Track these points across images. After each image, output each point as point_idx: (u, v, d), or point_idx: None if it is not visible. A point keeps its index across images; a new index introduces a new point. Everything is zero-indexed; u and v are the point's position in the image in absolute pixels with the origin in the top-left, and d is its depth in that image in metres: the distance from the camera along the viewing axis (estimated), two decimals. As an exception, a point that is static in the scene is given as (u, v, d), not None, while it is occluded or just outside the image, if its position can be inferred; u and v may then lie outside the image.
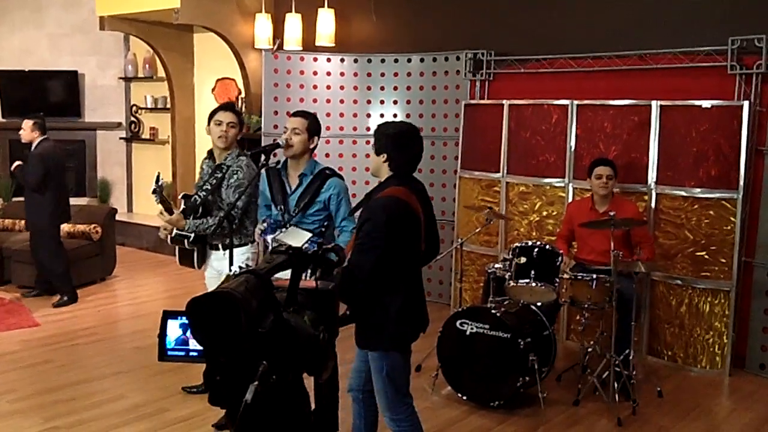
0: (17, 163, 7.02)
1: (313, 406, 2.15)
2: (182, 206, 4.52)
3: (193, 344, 1.92)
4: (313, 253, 2.03)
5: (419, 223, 3.40)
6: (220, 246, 4.53)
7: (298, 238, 3.89)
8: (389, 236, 3.23)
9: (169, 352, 1.92)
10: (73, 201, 8.62)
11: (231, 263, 4.26)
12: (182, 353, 1.91)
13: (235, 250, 4.40)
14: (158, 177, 4.42)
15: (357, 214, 3.71)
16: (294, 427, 1.89)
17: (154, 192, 4.40)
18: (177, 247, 4.59)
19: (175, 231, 4.47)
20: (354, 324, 3.43)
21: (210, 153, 4.64)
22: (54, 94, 10.23)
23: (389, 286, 3.31)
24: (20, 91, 10.08)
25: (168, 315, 1.90)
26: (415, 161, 3.49)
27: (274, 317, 1.78)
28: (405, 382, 3.48)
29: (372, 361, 3.41)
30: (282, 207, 4.17)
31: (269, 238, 4.11)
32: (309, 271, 2.17)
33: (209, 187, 4.47)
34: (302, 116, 4.23)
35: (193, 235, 4.43)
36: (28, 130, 6.96)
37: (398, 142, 3.43)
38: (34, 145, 6.97)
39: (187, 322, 1.94)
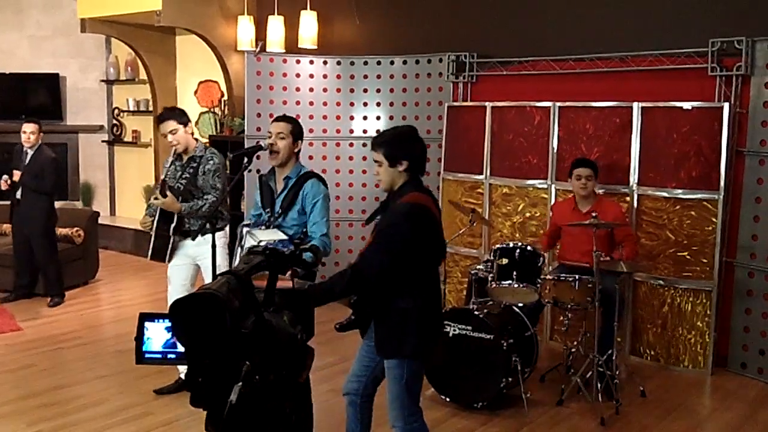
0: (16, 172, 6.97)
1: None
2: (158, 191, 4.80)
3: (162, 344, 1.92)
4: (290, 253, 2.02)
5: (439, 227, 3.44)
6: (191, 233, 4.83)
7: (272, 236, 3.88)
8: (411, 242, 3.24)
9: (147, 355, 1.90)
10: (55, 204, 8.60)
11: (214, 246, 4.32)
12: (160, 356, 1.90)
13: (210, 236, 4.51)
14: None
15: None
16: (274, 428, 1.88)
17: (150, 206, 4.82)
18: (152, 243, 4.85)
19: (157, 219, 4.78)
20: (356, 329, 3.42)
21: (179, 155, 4.99)
22: (35, 97, 10.14)
23: (411, 291, 3.30)
24: (1, 94, 9.99)
25: (145, 317, 1.89)
26: (425, 161, 3.54)
27: (255, 317, 1.77)
28: (419, 390, 3.46)
29: (391, 368, 3.36)
30: (270, 210, 4.18)
31: (245, 229, 4.10)
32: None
33: (188, 176, 4.83)
34: (286, 120, 4.24)
35: (176, 220, 4.76)
36: (36, 134, 6.97)
37: (414, 145, 3.44)
38: (34, 148, 6.96)
39: (144, 327, 1.93)
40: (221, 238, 4.83)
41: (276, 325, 1.83)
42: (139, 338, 1.86)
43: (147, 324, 1.86)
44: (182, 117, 4.92)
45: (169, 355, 1.88)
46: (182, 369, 4.85)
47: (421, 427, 3.46)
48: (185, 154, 4.95)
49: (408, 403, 3.38)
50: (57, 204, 9.23)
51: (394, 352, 3.33)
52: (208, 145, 4.99)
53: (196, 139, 5.02)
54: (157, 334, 1.88)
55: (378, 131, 7.47)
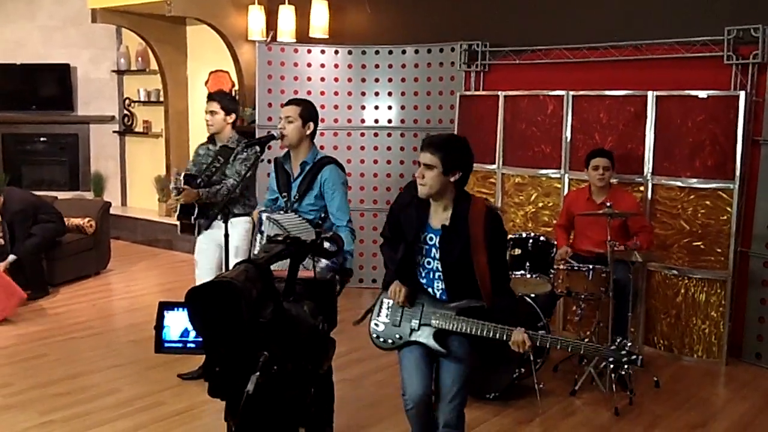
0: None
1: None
2: (181, 184, 4.90)
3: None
4: (311, 242, 1.99)
5: None
6: (220, 216, 4.84)
7: (295, 225, 3.84)
8: None
9: (166, 344, 1.88)
10: (66, 195, 8.60)
11: (226, 233, 4.53)
12: (179, 345, 1.87)
13: (238, 219, 4.93)
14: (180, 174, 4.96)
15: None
16: (294, 418, 1.86)
17: (176, 189, 4.90)
18: (179, 228, 5.12)
19: (179, 207, 4.94)
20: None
21: (211, 138, 5.15)
22: (46, 87, 10.17)
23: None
24: (12, 85, 10.02)
25: (164, 306, 1.87)
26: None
27: (274, 307, 1.75)
28: None
29: (462, 356, 3.31)
30: (286, 194, 4.17)
31: (264, 215, 4.08)
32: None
33: (218, 165, 4.98)
34: (294, 104, 4.25)
35: (197, 209, 4.92)
36: None
37: (470, 157, 3.30)
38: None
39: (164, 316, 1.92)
40: (245, 223, 5.01)
41: (296, 315, 1.80)
42: (159, 327, 1.84)
43: (166, 313, 1.84)
44: (230, 104, 5.06)
45: (189, 344, 1.86)
46: None
47: None
48: (219, 141, 5.08)
49: (465, 400, 3.36)
50: (68, 194, 9.29)
51: (492, 361, 3.41)
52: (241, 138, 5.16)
53: (237, 131, 5.17)
54: (175, 323, 1.85)
55: (389, 121, 7.45)
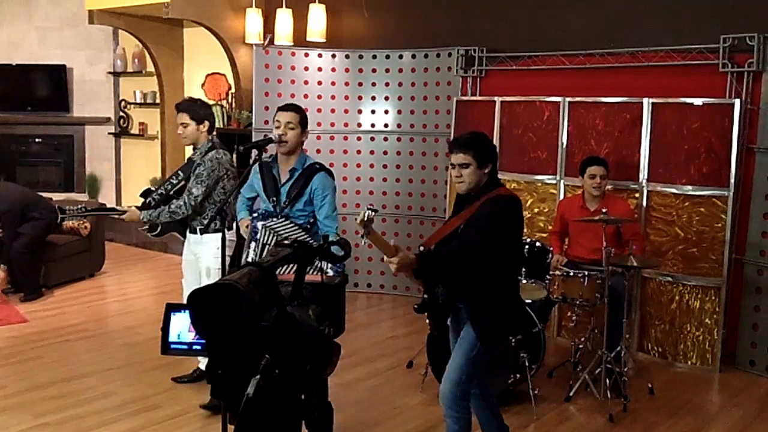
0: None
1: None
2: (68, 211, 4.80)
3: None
4: (318, 246, 2.00)
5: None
6: (198, 230, 4.76)
7: (291, 232, 3.88)
8: (512, 230, 3.44)
9: (173, 346, 1.88)
10: (61, 196, 8.57)
11: (224, 237, 4.30)
12: (185, 346, 1.88)
13: (212, 236, 4.68)
14: (63, 210, 4.79)
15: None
16: (296, 420, 1.86)
17: (61, 220, 5.05)
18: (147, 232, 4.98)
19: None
20: (430, 312, 3.57)
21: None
22: (42, 88, 10.14)
23: (506, 279, 3.48)
24: (8, 86, 10.00)
25: (171, 308, 1.87)
26: None
27: (277, 311, 1.75)
28: (478, 375, 3.57)
29: (466, 338, 3.45)
30: (274, 199, 4.20)
31: (259, 224, 4.11)
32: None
33: (170, 187, 4.79)
34: (294, 110, 4.26)
35: (159, 228, 4.81)
36: None
37: (495, 149, 3.57)
38: None
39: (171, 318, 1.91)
40: (217, 240, 4.54)
41: (299, 319, 1.80)
42: (165, 328, 1.84)
43: (172, 314, 1.84)
44: (198, 112, 4.74)
45: (195, 346, 1.86)
46: (201, 360, 4.86)
47: (466, 417, 3.54)
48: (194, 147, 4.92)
49: (465, 380, 3.46)
50: (63, 196, 9.26)
51: (494, 336, 3.46)
52: (216, 146, 4.80)
53: (211, 140, 4.82)
54: (181, 325, 1.86)
55: (386, 125, 7.45)
